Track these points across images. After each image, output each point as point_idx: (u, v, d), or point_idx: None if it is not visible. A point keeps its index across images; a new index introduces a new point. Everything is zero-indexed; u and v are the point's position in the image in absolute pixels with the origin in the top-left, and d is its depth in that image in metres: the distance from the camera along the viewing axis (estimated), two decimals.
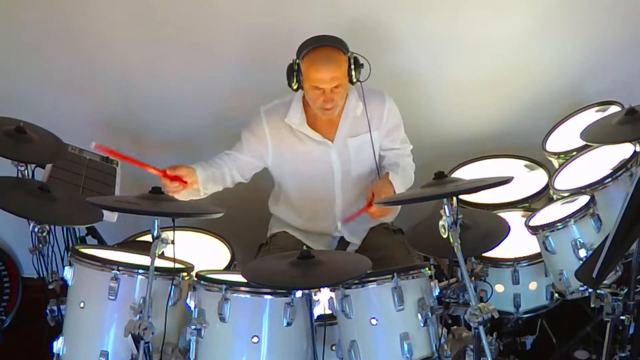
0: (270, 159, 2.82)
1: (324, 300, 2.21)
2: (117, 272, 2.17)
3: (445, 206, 2.08)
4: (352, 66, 2.63)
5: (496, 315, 2.04)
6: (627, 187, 2.32)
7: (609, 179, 2.53)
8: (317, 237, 2.88)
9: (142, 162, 2.58)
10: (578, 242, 2.46)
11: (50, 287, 2.48)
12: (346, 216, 2.82)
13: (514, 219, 2.70)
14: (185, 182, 2.63)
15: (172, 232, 2.15)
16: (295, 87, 2.65)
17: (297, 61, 2.63)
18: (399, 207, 2.89)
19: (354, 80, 2.65)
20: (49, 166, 2.76)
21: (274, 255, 2.41)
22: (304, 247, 2.16)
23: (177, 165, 2.65)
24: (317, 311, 2.18)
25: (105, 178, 2.94)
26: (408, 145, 2.93)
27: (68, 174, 2.81)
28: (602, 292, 2.38)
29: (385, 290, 2.14)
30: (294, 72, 2.63)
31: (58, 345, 2.24)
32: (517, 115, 3.34)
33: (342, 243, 2.89)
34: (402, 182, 2.77)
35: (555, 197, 2.73)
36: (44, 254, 2.45)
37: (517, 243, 2.63)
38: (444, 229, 2.08)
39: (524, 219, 2.67)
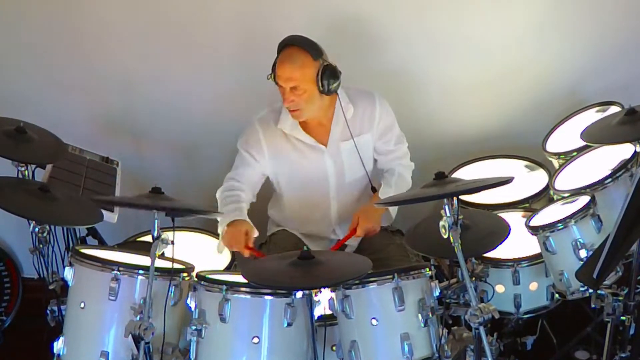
0: (269, 166, 2.81)
1: (324, 300, 2.21)
2: (118, 273, 2.17)
3: (446, 206, 2.08)
4: (320, 74, 2.58)
5: (497, 316, 2.04)
6: (627, 187, 2.31)
7: (609, 180, 2.52)
8: (314, 240, 2.88)
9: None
10: (578, 243, 2.46)
11: (51, 287, 2.48)
12: (333, 245, 2.81)
13: (515, 219, 2.70)
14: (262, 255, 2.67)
15: (172, 232, 2.15)
16: (273, 80, 2.64)
17: (277, 57, 2.64)
18: (395, 211, 2.88)
19: (321, 88, 2.59)
20: (49, 166, 2.76)
21: (274, 256, 2.41)
22: (304, 248, 2.16)
23: (247, 230, 2.64)
24: (318, 311, 2.18)
25: (105, 178, 2.94)
26: (403, 144, 2.90)
27: (68, 174, 2.81)
28: (603, 292, 2.38)
29: (386, 291, 2.13)
30: (272, 67, 2.63)
31: (58, 345, 2.25)
32: (517, 115, 3.34)
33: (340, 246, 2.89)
34: (396, 192, 2.77)
35: (555, 197, 2.73)
36: (44, 254, 2.45)
37: (518, 243, 2.63)
38: (445, 229, 2.08)
39: (525, 219, 2.67)
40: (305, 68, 2.58)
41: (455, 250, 2.06)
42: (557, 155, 2.93)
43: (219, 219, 2.70)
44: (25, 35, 3.25)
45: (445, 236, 2.08)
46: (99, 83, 3.32)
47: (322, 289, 2.18)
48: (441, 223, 2.09)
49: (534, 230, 2.55)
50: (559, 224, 2.48)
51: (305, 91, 2.60)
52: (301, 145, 2.77)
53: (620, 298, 2.36)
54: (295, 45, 2.60)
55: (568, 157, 2.87)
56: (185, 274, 2.28)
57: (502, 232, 2.23)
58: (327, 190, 2.82)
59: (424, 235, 2.34)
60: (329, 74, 2.59)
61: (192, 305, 2.19)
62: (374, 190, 2.83)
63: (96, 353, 2.16)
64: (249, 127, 2.81)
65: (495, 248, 2.23)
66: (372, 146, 2.82)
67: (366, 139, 2.79)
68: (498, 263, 2.65)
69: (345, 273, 2.10)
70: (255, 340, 2.12)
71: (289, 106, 2.64)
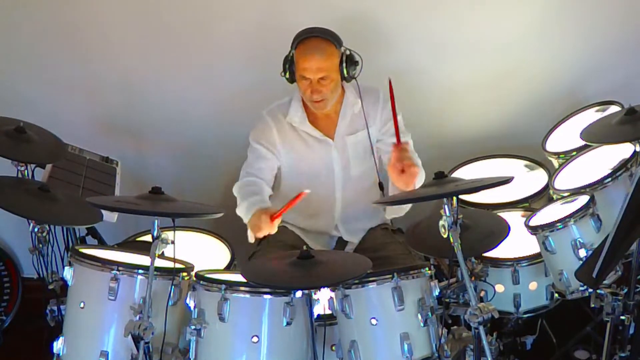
0: (282, 159, 2.80)
1: (323, 300, 2.21)
2: (117, 272, 2.17)
3: (445, 206, 2.08)
4: (344, 63, 2.62)
5: (496, 315, 2.04)
6: (627, 187, 2.31)
7: (609, 179, 2.52)
8: (315, 236, 2.88)
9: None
10: (578, 242, 2.46)
11: (51, 287, 2.48)
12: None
13: (514, 219, 2.70)
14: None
15: (172, 232, 2.15)
16: (288, 76, 2.66)
17: (292, 52, 2.64)
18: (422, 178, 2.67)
19: (346, 75, 2.64)
20: (49, 166, 2.76)
21: (274, 255, 2.41)
22: (304, 247, 2.16)
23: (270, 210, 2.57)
24: (317, 311, 2.18)
25: (105, 178, 2.95)
26: (407, 135, 2.79)
27: (68, 174, 2.81)
28: (602, 292, 2.38)
29: (386, 290, 2.14)
30: (287, 63, 2.65)
31: (58, 345, 2.25)
32: (517, 115, 3.34)
33: (340, 242, 2.89)
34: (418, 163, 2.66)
35: (555, 197, 2.73)
36: (44, 254, 2.45)
37: (517, 243, 2.63)
38: (444, 229, 2.08)
39: (524, 219, 2.67)
40: (332, 57, 2.61)
41: (455, 249, 2.06)
42: (557, 154, 2.94)
43: (242, 211, 2.66)
44: (25, 35, 3.25)
45: (445, 236, 2.08)
46: (99, 83, 3.32)
47: (322, 289, 2.18)
48: (441, 223, 2.09)
49: (534, 229, 2.55)
50: (559, 224, 2.48)
51: (332, 80, 2.63)
52: (309, 138, 2.77)
53: (620, 297, 2.36)
54: (318, 36, 2.62)
55: (568, 156, 2.87)
56: (184, 274, 2.27)
57: (501, 231, 2.23)
58: (333, 184, 2.82)
59: (424, 234, 2.34)
60: (350, 61, 2.64)
61: (192, 304, 2.19)
62: (381, 186, 2.81)
63: (96, 353, 2.16)
64: (260, 120, 2.80)
65: (494, 248, 2.23)
66: (377, 138, 2.81)
67: (371, 132, 2.78)
68: (498, 263, 2.65)
69: (344, 273, 2.10)
70: (255, 339, 2.12)
71: (317, 97, 2.64)
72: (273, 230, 2.54)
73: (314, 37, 2.62)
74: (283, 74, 2.66)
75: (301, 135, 2.78)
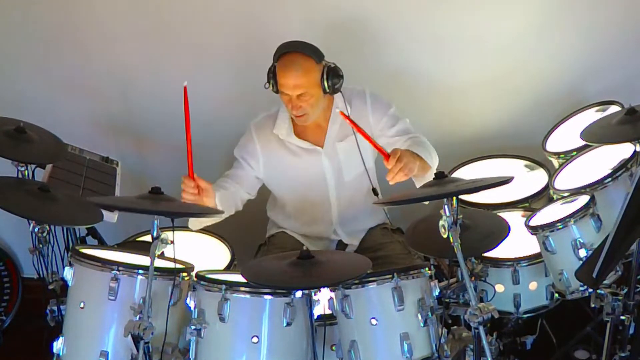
0: (262, 172, 2.81)
1: (324, 300, 2.21)
2: (117, 273, 2.17)
3: (445, 206, 2.08)
4: (325, 76, 2.58)
5: (496, 315, 2.04)
6: (627, 187, 2.32)
7: (609, 179, 2.52)
8: (315, 240, 2.87)
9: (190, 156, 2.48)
10: (578, 242, 2.46)
11: (51, 287, 2.48)
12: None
13: (514, 219, 2.70)
14: (199, 193, 2.52)
15: (171, 232, 2.15)
16: (272, 89, 2.64)
17: (274, 64, 2.62)
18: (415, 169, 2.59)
19: (327, 90, 2.59)
20: (49, 166, 2.76)
21: (274, 256, 2.41)
22: (304, 247, 2.16)
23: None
24: (317, 311, 2.18)
25: (105, 178, 2.95)
26: (402, 120, 2.79)
27: (68, 174, 2.81)
28: (602, 292, 2.38)
29: (385, 290, 2.13)
30: (270, 74, 2.63)
31: (58, 345, 2.24)
32: (517, 115, 3.34)
33: (341, 245, 2.89)
34: (422, 150, 2.63)
35: (555, 197, 2.73)
36: (44, 254, 2.45)
37: (517, 243, 2.63)
38: (444, 229, 2.08)
39: (524, 219, 2.67)
40: (311, 73, 2.57)
41: (455, 249, 2.06)
42: (557, 154, 2.94)
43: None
44: (25, 35, 3.25)
45: (445, 236, 2.08)
46: (99, 83, 3.32)
47: (322, 289, 2.18)
48: (441, 223, 2.09)
49: (534, 229, 2.55)
50: (559, 224, 2.48)
51: (312, 96, 2.60)
52: (297, 149, 2.77)
53: (620, 297, 2.36)
54: (297, 52, 2.58)
55: (568, 156, 2.87)
56: (184, 274, 2.27)
57: (501, 231, 2.23)
58: (327, 191, 2.82)
59: (424, 234, 2.34)
60: (332, 75, 2.60)
61: (192, 305, 2.19)
62: (375, 191, 2.81)
63: (96, 353, 2.16)
64: (245, 134, 2.83)
65: (494, 248, 2.23)
66: (376, 138, 2.79)
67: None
68: (498, 262, 2.65)
69: (344, 273, 2.10)
70: (255, 340, 2.12)
71: (296, 113, 2.63)
72: (192, 187, 2.47)
73: (293, 53, 2.58)
74: (267, 85, 2.64)
75: (288, 147, 2.77)
